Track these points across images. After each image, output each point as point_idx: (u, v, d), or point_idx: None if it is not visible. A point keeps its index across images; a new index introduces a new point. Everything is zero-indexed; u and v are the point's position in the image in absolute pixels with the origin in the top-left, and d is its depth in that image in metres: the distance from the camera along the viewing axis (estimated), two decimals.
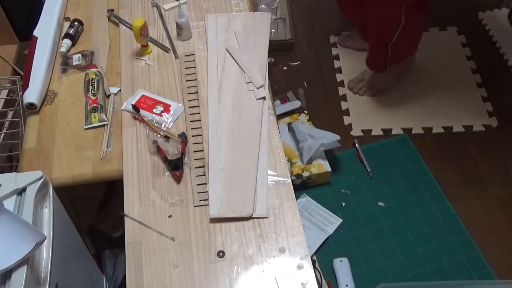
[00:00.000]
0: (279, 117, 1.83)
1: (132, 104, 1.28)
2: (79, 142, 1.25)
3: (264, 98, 1.28)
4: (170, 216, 1.09)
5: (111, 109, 1.31)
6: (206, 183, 1.14)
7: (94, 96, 1.30)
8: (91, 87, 1.31)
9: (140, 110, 1.26)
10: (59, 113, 1.32)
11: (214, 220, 1.09)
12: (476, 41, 2.19)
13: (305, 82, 2.04)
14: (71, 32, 1.46)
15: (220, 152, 1.19)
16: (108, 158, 1.22)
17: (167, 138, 1.20)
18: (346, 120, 1.93)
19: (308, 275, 1.01)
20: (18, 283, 0.84)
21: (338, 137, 1.70)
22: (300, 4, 2.33)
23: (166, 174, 1.16)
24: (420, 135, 1.88)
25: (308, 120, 1.84)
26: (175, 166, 1.15)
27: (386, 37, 1.79)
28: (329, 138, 1.70)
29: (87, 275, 1.30)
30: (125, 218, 1.09)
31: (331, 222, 1.65)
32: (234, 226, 1.08)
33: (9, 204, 0.95)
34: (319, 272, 1.53)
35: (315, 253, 1.59)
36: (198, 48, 1.41)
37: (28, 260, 0.87)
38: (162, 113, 1.26)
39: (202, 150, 1.20)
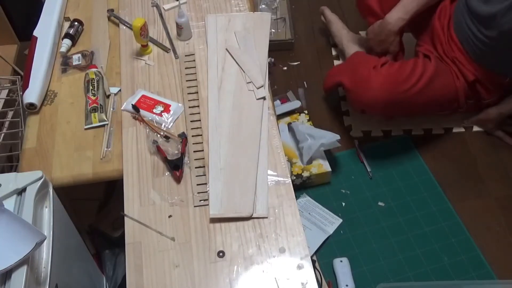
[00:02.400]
0: (279, 117, 1.83)
1: (132, 104, 1.28)
2: (79, 142, 1.25)
3: (264, 98, 1.28)
4: (170, 216, 1.10)
5: (111, 109, 1.31)
6: (206, 183, 1.14)
7: (94, 96, 1.30)
8: (91, 87, 1.31)
9: (140, 110, 1.27)
10: (59, 113, 1.32)
11: (214, 220, 1.09)
12: None
13: (305, 82, 2.04)
14: (71, 32, 1.46)
15: (220, 152, 1.19)
16: (108, 158, 1.22)
17: (167, 138, 1.20)
18: (346, 120, 1.92)
19: (308, 275, 1.01)
20: (18, 283, 0.84)
21: (338, 137, 1.70)
22: (300, 4, 2.32)
23: (166, 174, 1.16)
24: (420, 135, 1.88)
25: (308, 120, 1.84)
26: (175, 166, 1.15)
27: None
28: (329, 138, 1.70)
29: (87, 275, 1.30)
30: (125, 218, 1.10)
31: (331, 222, 1.65)
32: (234, 226, 1.08)
33: (9, 204, 0.95)
34: (319, 272, 1.53)
35: (315, 253, 1.59)
36: (198, 48, 1.41)
37: (28, 260, 0.87)
38: (162, 113, 1.26)
39: (202, 150, 1.20)
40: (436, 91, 1.69)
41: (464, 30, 1.68)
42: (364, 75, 1.67)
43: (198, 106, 1.28)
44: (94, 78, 1.33)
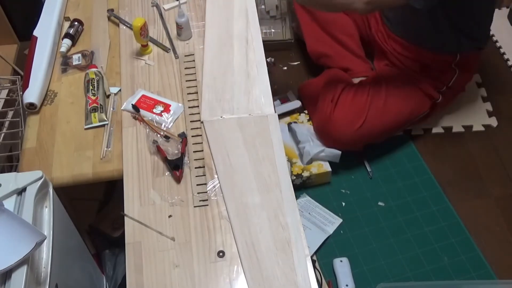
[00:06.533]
0: (279, 117, 1.83)
1: (132, 104, 1.28)
2: (79, 142, 1.25)
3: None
4: (170, 216, 1.10)
5: (111, 109, 1.31)
6: (206, 183, 1.14)
7: (94, 96, 1.30)
8: (91, 87, 1.31)
9: (140, 110, 1.26)
10: (59, 113, 1.32)
11: (215, 219, 1.09)
12: None
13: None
14: (71, 32, 1.46)
15: None
16: (108, 158, 1.22)
17: (167, 138, 1.20)
18: None
19: (309, 275, 1.01)
20: (18, 283, 0.84)
21: (339, 153, 1.70)
22: None
23: (166, 174, 1.16)
24: (420, 135, 1.88)
25: (308, 120, 1.84)
26: (175, 166, 1.15)
27: None
28: (330, 150, 1.70)
29: (87, 275, 1.30)
30: (125, 218, 1.10)
31: (331, 222, 1.65)
32: None
33: (9, 204, 0.95)
34: (319, 272, 1.53)
35: (315, 253, 1.59)
36: (198, 48, 1.41)
37: (28, 260, 0.87)
38: (162, 113, 1.26)
39: (202, 150, 1.20)
40: (400, 101, 1.69)
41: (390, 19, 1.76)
42: (325, 117, 1.69)
43: (198, 106, 1.28)
44: (94, 78, 1.33)
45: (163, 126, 1.25)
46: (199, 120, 1.25)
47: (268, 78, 1.32)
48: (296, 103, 1.88)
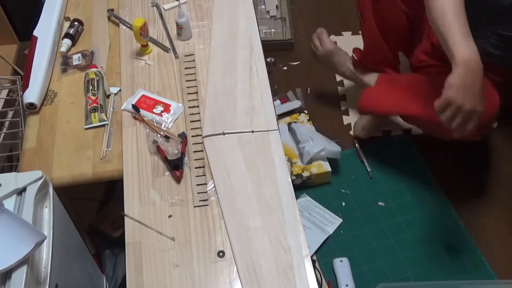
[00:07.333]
0: (279, 117, 1.83)
1: (132, 104, 1.28)
2: (79, 142, 1.25)
3: None
4: (170, 216, 1.10)
5: (111, 109, 1.31)
6: (206, 183, 1.14)
7: (94, 96, 1.30)
8: (91, 87, 1.31)
9: (140, 110, 1.27)
10: (59, 113, 1.32)
11: (215, 219, 1.09)
12: None
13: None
14: (71, 32, 1.46)
15: None
16: (108, 158, 1.22)
17: (167, 138, 1.20)
18: (346, 120, 1.92)
19: (308, 275, 1.01)
20: (18, 283, 0.84)
21: (339, 149, 1.70)
22: (300, 3, 2.32)
23: (166, 174, 1.16)
24: (420, 135, 1.88)
25: (308, 120, 1.84)
26: (175, 166, 1.15)
27: None
28: (331, 149, 1.70)
29: (87, 275, 1.30)
30: (125, 218, 1.10)
31: (331, 222, 1.65)
32: None
33: (9, 204, 0.95)
34: (319, 272, 1.53)
35: (315, 253, 1.59)
36: (198, 48, 1.41)
37: (28, 260, 0.87)
38: (162, 113, 1.26)
39: (202, 150, 1.20)
40: None
41: None
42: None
43: (198, 106, 1.28)
44: (94, 78, 1.33)
45: (163, 126, 1.25)
46: (199, 120, 1.25)
47: (268, 77, 1.32)
48: (296, 103, 1.88)
